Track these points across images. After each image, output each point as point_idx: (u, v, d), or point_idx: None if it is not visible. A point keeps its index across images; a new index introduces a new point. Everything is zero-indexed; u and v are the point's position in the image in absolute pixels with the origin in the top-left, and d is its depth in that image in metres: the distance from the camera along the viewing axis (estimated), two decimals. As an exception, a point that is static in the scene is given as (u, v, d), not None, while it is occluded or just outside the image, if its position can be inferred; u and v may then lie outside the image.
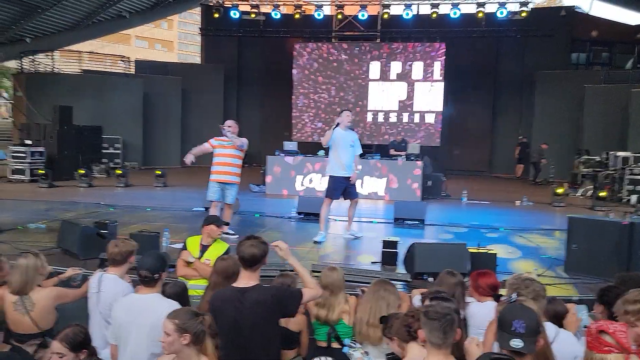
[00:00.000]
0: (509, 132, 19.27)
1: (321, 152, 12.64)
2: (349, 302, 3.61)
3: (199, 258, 4.58)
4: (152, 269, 3.04)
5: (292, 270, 3.48)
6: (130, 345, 2.94)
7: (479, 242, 5.96)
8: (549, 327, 2.77)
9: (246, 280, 2.98)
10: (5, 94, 25.42)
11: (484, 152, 19.72)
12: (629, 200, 12.01)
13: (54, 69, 18.96)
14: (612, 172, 12.99)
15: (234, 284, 3.01)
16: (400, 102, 17.64)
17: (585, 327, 2.93)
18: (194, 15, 26.07)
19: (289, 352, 3.40)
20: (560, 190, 11.57)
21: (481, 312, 3.34)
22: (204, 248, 4.62)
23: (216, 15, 18.37)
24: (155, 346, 2.85)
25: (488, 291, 3.53)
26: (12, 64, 20.42)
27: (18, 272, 3.35)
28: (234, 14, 17.87)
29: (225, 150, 7.02)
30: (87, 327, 3.33)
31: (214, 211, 6.84)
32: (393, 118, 17.79)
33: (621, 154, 13.05)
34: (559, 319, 3.17)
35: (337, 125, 7.14)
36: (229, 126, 7.02)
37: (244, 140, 7.03)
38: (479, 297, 3.60)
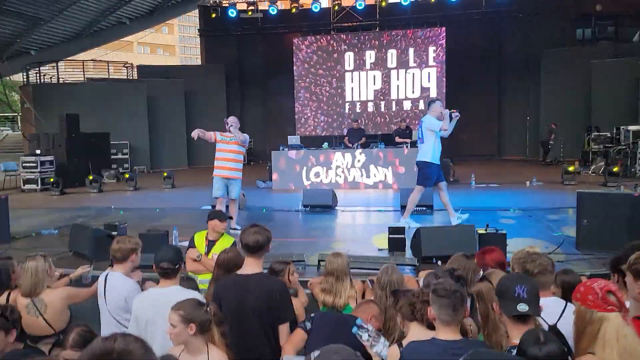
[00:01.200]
0: (516, 113, 19.10)
1: (325, 145, 12.68)
2: (355, 287, 3.62)
3: (207, 253, 4.62)
4: (173, 260, 3.07)
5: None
6: (158, 339, 2.91)
7: (487, 223, 5.93)
8: (556, 303, 2.74)
9: (250, 267, 3.02)
10: None
11: (491, 135, 19.57)
12: (642, 173, 11.87)
13: (59, 79, 19.13)
14: (624, 147, 12.83)
15: (238, 271, 3.05)
16: (402, 89, 17.54)
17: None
18: (193, 18, 26.11)
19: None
20: (571, 169, 11.45)
21: None
22: (210, 243, 4.65)
23: (213, 16, 18.42)
24: None
25: (495, 268, 3.50)
26: (18, 76, 20.65)
27: (27, 275, 3.40)
28: (232, 13, 17.91)
29: (227, 146, 7.21)
30: (100, 325, 3.41)
31: (219, 207, 6.90)
32: (395, 106, 17.70)
33: (632, 128, 12.89)
34: (570, 291, 3.12)
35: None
36: (233, 123, 7.19)
37: (246, 136, 7.23)
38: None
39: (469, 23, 17.84)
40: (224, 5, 18.29)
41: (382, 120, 17.75)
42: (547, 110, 17.41)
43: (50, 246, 6.40)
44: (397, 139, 12.88)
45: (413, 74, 17.38)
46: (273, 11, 17.72)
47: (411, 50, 17.34)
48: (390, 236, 5.82)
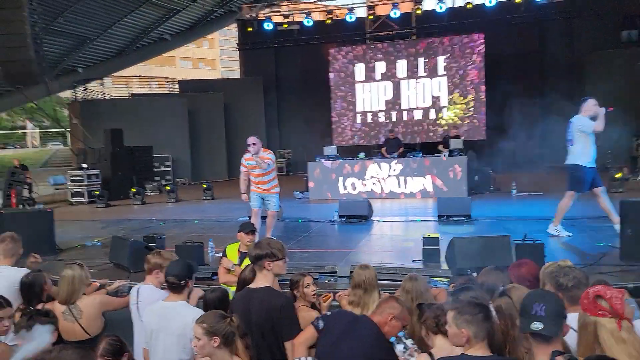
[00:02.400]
0: (560, 119, 18.47)
1: (361, 155, 12.64)
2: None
3: (239, 265, 4.68)
4: (179, 275, 3.13)
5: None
6: (159, 352, 3.05)
7: (525, 233, 5.75)
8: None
9: (258, 281, 3.04)
10: (32, 123, 27.12)
11: (533, 143, 18.98)
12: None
13: (105, 95, 19.91)
14: (674, 151, 12.22)
15: (250, 285, 3.08)
16: (439, 97, 17.32)
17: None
18: (233, 32, 26.72)
19: None
20: (618, 175, 10.99)
21: None
22: (242, 255, 4.71)
23: (250, 30, 18.75)
24: (183, 352, 2.94)
25: (535, 282, 3.37)
26: (66, 93, 21.62)
27: (65, 282, 3.56)
28: (268, 26, 18.17)
29: (257, 170, 6.98)
30: (133, 336, 3.51)
31: (254, 219, 6.94)
32: (432, 115, 17.47)
33: (683, 131, 12.25)
34: None
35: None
36: (254, 143, 6.86)
37: (269, 162, 6.91)
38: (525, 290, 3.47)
39: (508, 28, 17.45)
40: (260, 18, 18.61)
41: (421, 128, 17.55)
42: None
43: (92, 258, 6.62)
44: (440, 147, 12.77)
45: (452, 81, 17.13)
46: (308, 23, 17.88)
47: (450, 58, 17.10)
48: (424, 247, 5.73)
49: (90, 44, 18.11)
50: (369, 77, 18.02)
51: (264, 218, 7.38)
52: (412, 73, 17.48)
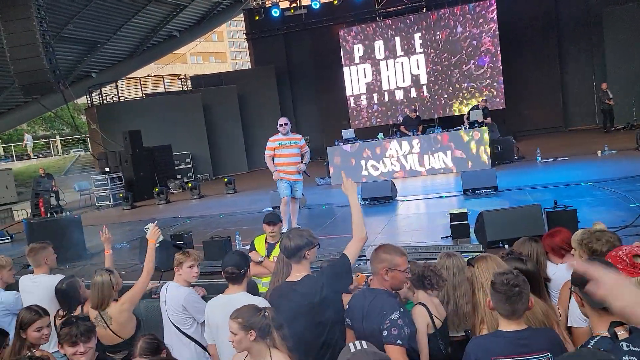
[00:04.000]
0: (581, 80, 18.01)
1: (380, 135, 12.51)
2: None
3: (268, 256, 4.67)
4: (238, 264, 3.14)
5: None
6: (227, 345, 2.96)
7: (555, 200, 5.60)
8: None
9: (296, 273, 2.95)
10: (29, 136, 27.87)
11: (555, 106, 18.55)
12: None
13: (120, 98, 20.08)
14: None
15: (287, 279, 3.01)
16: (455, 69, 16.98)
17: None
18: (241, 23, 26.60)
19: None
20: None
21: (569, 274, 3.06)
22: (270, 246, 4.70)
23: (257, 18, 18.60)
24: None
25: (569, 250, 3.29)
26: (82, 99, 21.88)
27: (95, 289, 3.60)
28: (275, 13, 18.01)
29: (288, 150, 6.82)
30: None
31: (283, 208, 6.84)
32: (454, 84, 17.10)
33: None
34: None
35: None
36: (285, 123, 6.81)
37: (308, 156, 7.01)
38: (561, 259, 3.36)
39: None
40: (267, 6, 18.44)
41: (439, 103, 17.26)
42: (613, 73, 16.26)
43: (122, 259, 6.70)
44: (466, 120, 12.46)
45: (469, 50, 16.74)
46: (316, 6, 17.66)
47: (463, 27, 16.72)
48: (452, 223, 5.64)
49: (102, 48, 18.26)
50: (381, 55, 17.75)
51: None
52: (428, 47, 17.14)
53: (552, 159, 11.16)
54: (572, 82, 18.38)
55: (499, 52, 16.41)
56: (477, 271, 2.68)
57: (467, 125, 11.64)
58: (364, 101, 18.09)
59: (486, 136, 11.29)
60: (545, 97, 18.15)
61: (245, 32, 22.31)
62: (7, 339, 3.22)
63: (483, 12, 16.50)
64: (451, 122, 14.53)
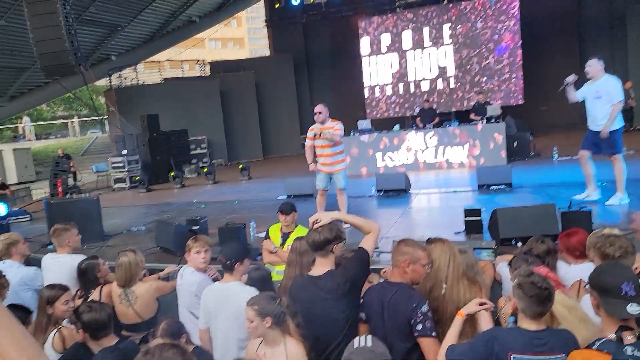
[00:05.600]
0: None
1: (396, 127, 12.50)
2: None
3: (282, 245, 4.75)
4: (228, 256, 3.27)
5: None
6: (220, 331, 3.19)
7: (570, 200, 5.60)
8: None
9: (320, 267, 2.94)
10: (27, 118, 28.10)
11: (574, 104, 18.26)
12: None
13: (139, 81, 20.25)
14: None
15: (310, 272, 3.00)
16: (475, 63, 16.83)
17: None
18: (260, 9, 26.55)
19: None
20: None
21: (582, 275, 2.99)
22: (284, 235, 4.77)
23: (277, 6, 18.56)
24: (240, 331, 3.03)
25: (584, 251, 3.30)
26: (101, 81, 22.09)
27: (122, 268, 3.72)
28: (295, 1, 17.96)
29: (322, 141, 6.52)
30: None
31: (320, 200, 6.64)
32: (472, 79, 16.98)
33: None
34: None
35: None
36: (320, 112, 6.53)
37: (337, 132, 6.43)
38: (575, 260, 3.39)
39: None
40: (287, -6, 18.41)
41: (456, 96, 17.14)
42: (636, 71, 15.99)
43: (139, 242, 6.84)
44: (472, 116, 12.41)
45: (489, 45, 16.57)
46: (336, -5, 17.58)
47: (484, 22, 16.53)
48: (466, 218, 5.66)
49: (122, 32, 18.37)
50: (399, 47, 17.64)
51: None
52: (448, 40, 16.98)
53: (568, 157, 11.05)
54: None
55: (519, 46, 16.23)
56: (431, 248, 2.91)
57: (485, 121, 11.58)
58: (388, 91, 17.91)
59: (503, 132, 11.22)
60: (564, 93, 17.89)
61: (265, 19, 22.28)
62: (30, 316, 3.35)
63: (504, 7, 16.29)
64: (468, 116, 14.43)
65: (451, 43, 16.95)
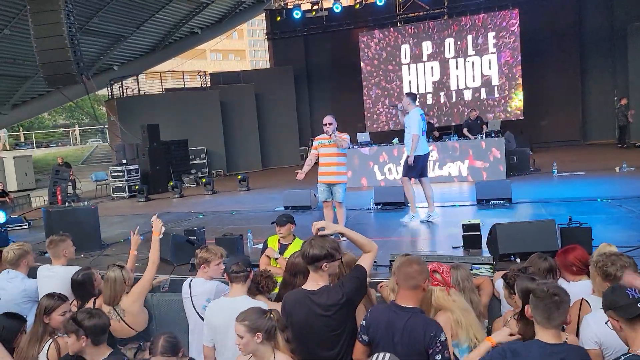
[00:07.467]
0: (602, 94, 17.82)
1: (395, 140, 12.50)
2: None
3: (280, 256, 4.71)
4: (245, 263, 3.22)
5: None
6: (229, 347, 3.03)
7: (570, 216, 5.57)
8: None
9: (314, 282, 2.86)
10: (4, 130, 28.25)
11: (574, 120, 18.38)
12: None
13: (140, 91, 20.32)
14: None
15: (304, 286, 2.93)
16: (475, 78, 16.91)
17: None
18: (262, 22, 26.75)
19: None
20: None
21: (580, 293, 3.02)
22: (282, 247, 4.74)
23: (278, 19, 18.70)
24: None
25: (582, 268, 3.27)
26: (103, 91, 22.18)
27: (107, 285, 3.68)
28: (296, 14, 18.09)
29: (327, 150, 6.54)
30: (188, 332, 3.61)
31: (326, 212, 6.59)
32: (468, 95, 17.08)
33: None
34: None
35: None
36: (329, 123, 6.53)
37: (347, 140, 6.52)
38: (572, 277, 3.36)
39: (543, 1, 16.83)
40: (288, 7, 18.53)
41: (456, 111, 17.20)
42: (636, 89, 16.06)
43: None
44: (465, 132, 12.41)
45: (488, 61, 16.67)
46: (337, 9, 17.70)
47: (484, 37, 16.65)
48: (465, 233, 5.63)
49: (125, 42, 18.50)
50: (400, 60, 17.74)
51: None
52: (451, 55, 17.09)
53: (568, 173, 11.06)
54: (592, 96, 18.19)
55: (519, 61, 16.33)
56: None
57: (484, 136, 11.59)
58: (383, 105, 17.96)
59: (502, 147, 11.23)
60: (564, 109, 17.99)
61: (266, 32, 22.43)
62: (24, 325, 3.32)
63: (504, 23, 16.41)
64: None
65: (454, 57, 17.04)
